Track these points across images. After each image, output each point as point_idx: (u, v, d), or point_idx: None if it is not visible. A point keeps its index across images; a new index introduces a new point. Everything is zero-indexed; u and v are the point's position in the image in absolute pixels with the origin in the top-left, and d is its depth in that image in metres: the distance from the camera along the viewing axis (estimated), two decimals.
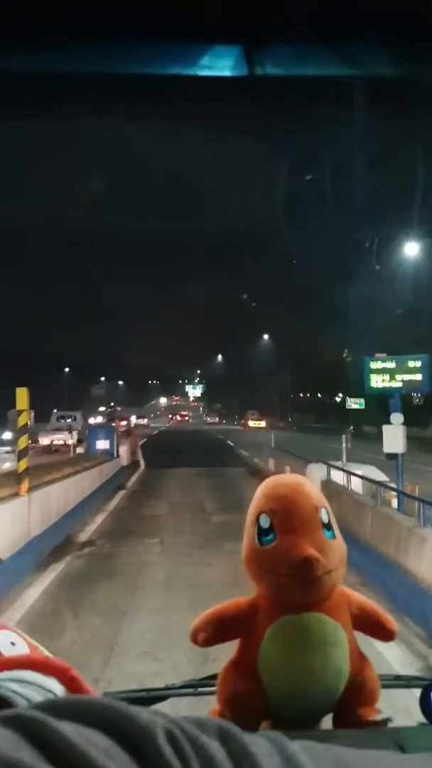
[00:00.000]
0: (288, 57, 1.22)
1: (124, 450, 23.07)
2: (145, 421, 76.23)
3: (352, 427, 28.41)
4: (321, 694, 1.33)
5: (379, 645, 4.78)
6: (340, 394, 49.94)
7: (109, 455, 20.91)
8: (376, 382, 10.59)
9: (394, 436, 9.85)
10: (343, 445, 13.47)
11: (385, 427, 10.03)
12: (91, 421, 43.07)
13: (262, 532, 1.37)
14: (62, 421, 32.25)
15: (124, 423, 49.22)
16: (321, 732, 1.32)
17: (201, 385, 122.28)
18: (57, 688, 0.85)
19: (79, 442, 24.73)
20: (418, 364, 10.35)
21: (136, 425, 59.14)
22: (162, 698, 1.62)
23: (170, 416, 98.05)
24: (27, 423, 9.75)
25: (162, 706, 1.53)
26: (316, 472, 12.03)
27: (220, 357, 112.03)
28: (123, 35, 1.24)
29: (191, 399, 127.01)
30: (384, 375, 10.49)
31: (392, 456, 10.06)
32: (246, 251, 77.89)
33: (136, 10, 1.17)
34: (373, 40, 1.08)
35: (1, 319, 57.50)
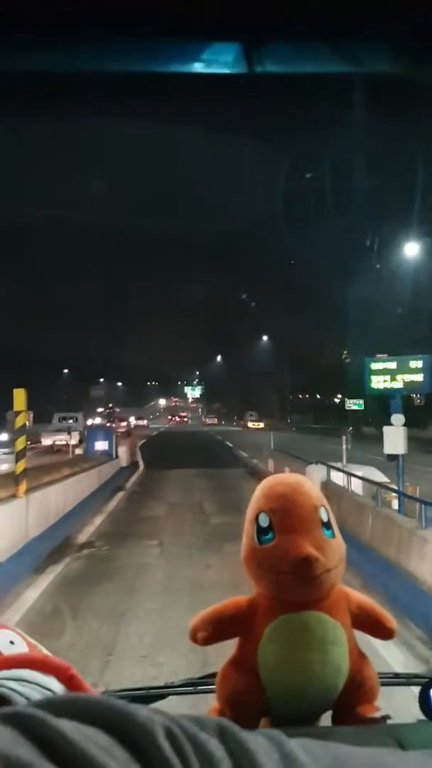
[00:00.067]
0: (288, 54, 1.22)
1: (122, 451, 23.08)
2: (145, 422, 76.46)
3: (351, 428, 28.41)
4: (320, 692, 1.33)
5: (382, 648, 4.81)
6: (339, 395, 49.95)
7: (108, 456, 20.93)
8: (377, 382, 10.55)
9: (394, 437, 9.81)
10: (343, 446, 13.47)
11: (386, 428, 9.98)
12: (89, 422, 43.24)
13: (261, 531, 1.37)
14: (64, 422, 32.55)
15: (124, 424, 49.36)
16: (320, 729, 1.33)
17: (200, 387, 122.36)
18: (56, 687, 0.85)
19: (81, 442, 24.85)
20: (420, 364, 10.28)
21: (136, 426, 59.24)
22: (161, 697, 1.62)
23: (169, 417, 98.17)
24: (25, 424, 9.74)
25: (161, 705, 1.53)
26: (316, 473, 12.01)
27: (219, 358, 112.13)
28: (123, 33, 1.24)
29: (190, 400, 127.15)
30: (385, 376, 10.45)
31: (393, 457, 10.04)
32: (245, 251, 78.09)
33: (136, 8, 1.17)
34: (373, 37, 1.08)
35: (0, 319, 57.54)
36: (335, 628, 1.35)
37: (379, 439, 10.43)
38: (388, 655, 4.98)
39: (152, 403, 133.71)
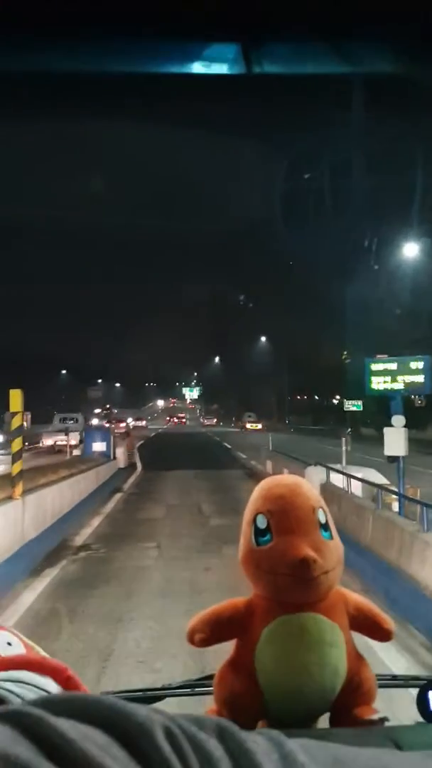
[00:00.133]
0: (286, 54, 1.22)
1: (120, 452, 23.07)
2: (143, 423, 76.68)
3: (350, 429, 28.42)
4: (318, 694, 1.33)
5: (383, 654, 4.78)
6: (338, 396, 49.94)
7: (106, 457, 20.92)
8: (378, 383, 10.51)
9: (395, 439, 9.77)
10: (343, 447, 13.46)
11: (387, 430, 9.93)
12: (92, 422, 43.34)
13: (259, 533, 1.37)
14: (65, 422, 32.70)
15: (122, 425, 49.39)
16: (318, 731, 1.32)
17: (198, 388, 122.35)
18: (53, 688, 0.84)
19: (81, 443, 24.91)
20: (420, 365, 10.23)
21: (135, 427, 59.28)
22: (159, 698, 1.62)
23: (167, 418, 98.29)
24: (22, 425, 9.72)
25: (159, 706, 1.52)
26: (315, 475, 11.98)
27: (217, 359, 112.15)
28: (122, 34, 1.24)
29: (188, 401, 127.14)
30: (385, 377, 10.40)
31: (393, 459, 10.01)
32: (244, 252, 78.08)
33: (135, 8, 1.17)
34: (373, 37, 1.08)
35: None
36: (333, 629, 1.35)
37: (377, 440, 10.40)
38: (390, 662, 4.90)
39: (150, 404, 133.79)
